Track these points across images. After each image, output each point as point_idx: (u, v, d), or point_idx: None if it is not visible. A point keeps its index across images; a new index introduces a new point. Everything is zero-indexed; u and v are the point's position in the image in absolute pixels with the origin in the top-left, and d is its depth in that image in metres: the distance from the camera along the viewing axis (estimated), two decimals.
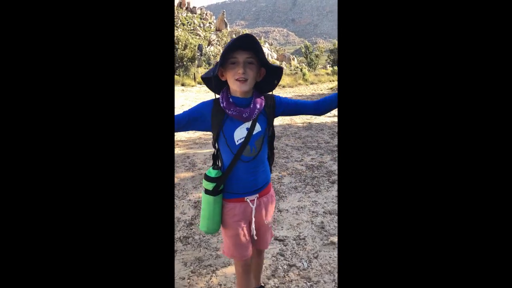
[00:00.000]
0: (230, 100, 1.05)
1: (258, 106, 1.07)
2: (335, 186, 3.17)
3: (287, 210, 2.68)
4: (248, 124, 1.08)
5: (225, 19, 71.10)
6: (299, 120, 6.60)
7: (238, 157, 1.07)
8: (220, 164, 1.14)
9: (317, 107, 1.18)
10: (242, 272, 1.23)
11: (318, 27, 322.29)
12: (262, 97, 1.12)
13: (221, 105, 1.05)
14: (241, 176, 1.11)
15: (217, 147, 1.12)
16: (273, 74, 1.12)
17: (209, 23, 74.30)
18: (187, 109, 1.13)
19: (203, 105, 1.11)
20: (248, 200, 1.14)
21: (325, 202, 2.80)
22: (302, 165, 3.83)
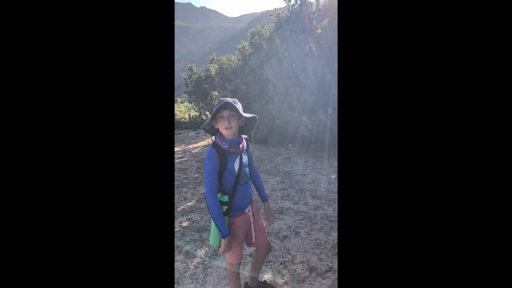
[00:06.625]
0: (228, 142, 1.48)
1: (244, 142, 1.54)
2: None
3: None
4: (239, 157, 1.51)
5: None
6: None
7: (238, 181, 1.50)
8: (224, 191, 1.52)
9: (254, 175, 1.70)
10: (236, 273, 1.64)
11: None
12: (243, 138, 1.59)
13: (223, 147, 1.46)
14: (241, 195, 1.56)
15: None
16: (250, 120, 1.59)
17: None
18: (209, 173, 1.45)
19: (213, 159, 1.44)
20: (247, 211, 1.60)
21: None
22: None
